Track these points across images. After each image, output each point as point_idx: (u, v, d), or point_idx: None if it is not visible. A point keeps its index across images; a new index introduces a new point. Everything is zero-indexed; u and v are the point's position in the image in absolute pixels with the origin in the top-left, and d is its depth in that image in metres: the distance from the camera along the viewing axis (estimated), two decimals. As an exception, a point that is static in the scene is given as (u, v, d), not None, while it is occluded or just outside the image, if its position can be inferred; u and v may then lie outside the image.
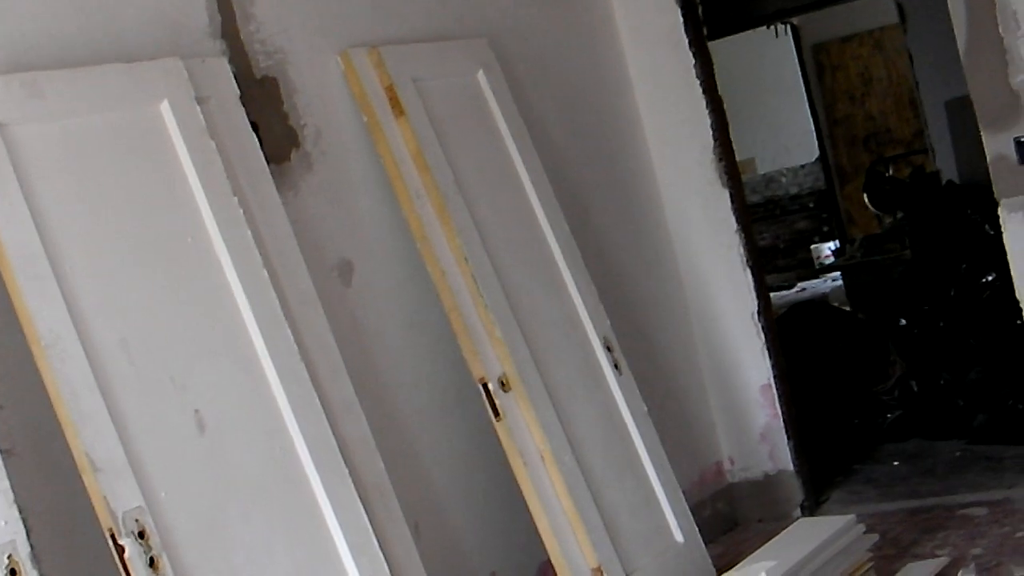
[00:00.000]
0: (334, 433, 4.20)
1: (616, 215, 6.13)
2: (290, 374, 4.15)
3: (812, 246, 12.74)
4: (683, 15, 6.23)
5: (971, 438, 6.79)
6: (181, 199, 4.13)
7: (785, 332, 6.41)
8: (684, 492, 5.43)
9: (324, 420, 4.19)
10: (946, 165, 8.76)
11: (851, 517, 5.07)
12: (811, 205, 13.90)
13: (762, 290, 6.34)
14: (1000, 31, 5.45)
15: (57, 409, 3.63)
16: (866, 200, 10.02)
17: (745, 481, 6.36)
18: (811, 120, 13.67)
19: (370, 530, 4.17)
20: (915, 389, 7.38)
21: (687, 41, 6.23)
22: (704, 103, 6.26)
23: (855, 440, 7.22)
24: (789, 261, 13.61)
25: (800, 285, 12.92)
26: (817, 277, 12.59)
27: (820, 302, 10.07)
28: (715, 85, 6.34)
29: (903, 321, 7.71)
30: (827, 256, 12.16)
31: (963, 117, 7.53)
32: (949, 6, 5.58)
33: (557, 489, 4.83)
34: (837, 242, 12.66)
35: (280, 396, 4.11)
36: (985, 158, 5.66)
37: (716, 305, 6.32)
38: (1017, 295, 5.64)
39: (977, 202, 7.19)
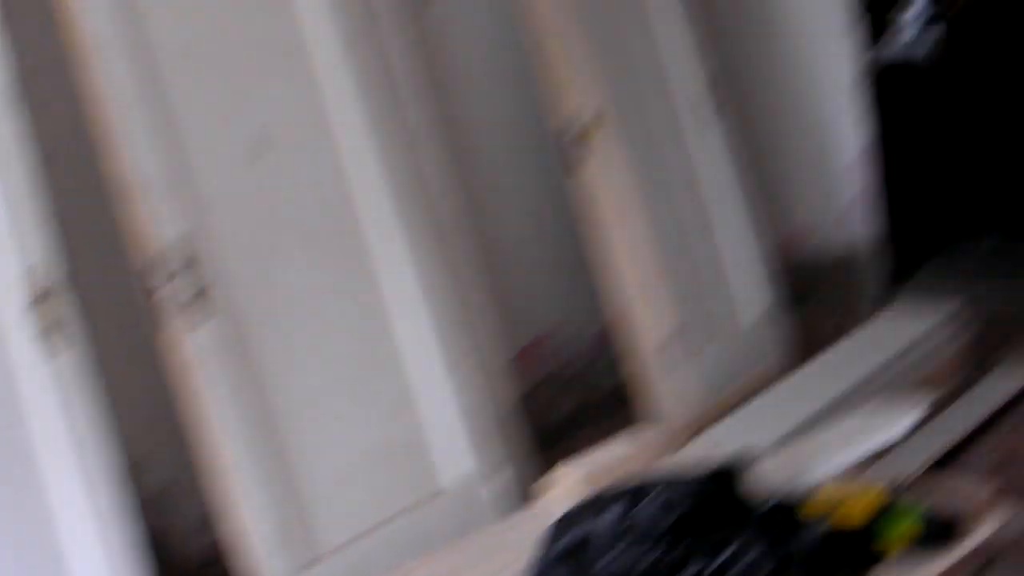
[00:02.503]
0: (409, 167, 3.81)
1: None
2: (366, 96, 3.74)
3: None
4: None
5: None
6: None
7: (883, 93, 5.91)
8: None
9: (400, 150, 3.80)
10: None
11: (945, 315, 4.72)
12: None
13: (869, 50, 5.89)
14: None
15: (102, 122, 3.24)
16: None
17: (824, 254, 5.98)
18: None
19: (441, 278, 3.83)
20: (1017, 176, 6.84)
21: None
22: None
23: (947, 220, 6.74)
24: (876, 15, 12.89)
25: (884, 40, 12.27)
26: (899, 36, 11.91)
27: (921, 67, 9.35)
28: None
29: (1013, 98, 7.12)
30: (914, 15, 11.56)
31: None
32: None
33: (636, 247, 4.44)
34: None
35: (355, 120, 3.71)
36: None
37: (818, 62, 5.83)
38: None
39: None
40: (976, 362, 4.84)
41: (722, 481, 2.15)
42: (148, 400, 3.58)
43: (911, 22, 10.61)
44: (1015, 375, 4.75)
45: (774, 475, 2.85)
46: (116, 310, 3.55)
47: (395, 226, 3.76)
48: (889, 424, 3.20)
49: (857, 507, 2.21)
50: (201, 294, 3.30)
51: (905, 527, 2.23)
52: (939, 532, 2.25)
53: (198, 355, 3.28)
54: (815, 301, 5.87)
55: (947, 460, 4.17)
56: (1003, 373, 4.78)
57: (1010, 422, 4.46)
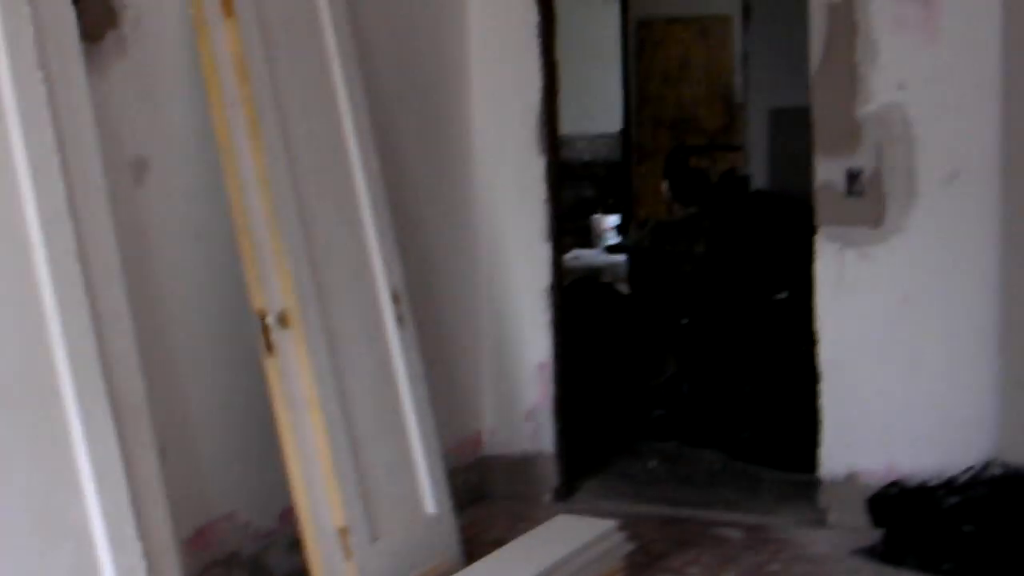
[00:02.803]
0: (98, 345, 3.86)
1: (425, 163, 5.87)
2: (63, 274, 3.75)
3: (594, 216, 12.62)
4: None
5: (732, 453, 6.70)
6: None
7: (566, 308, 6.23)
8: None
9: (90, 330, 3.82)
10: (758, 171, 8.67)
11: (612, 523, 4.94)
12: (602, 176, 13.74)
13: (557, 266, 6.18)
14: (856, 58, 5.33)
15: None
16: (664, 186, 9.89)
17: (502, 456, 6.19)
18: (621, 92, 13.49)
19: (118, 456, 3.83)
20: (684, 391, 7.25)
21: (535, -3, 6.01)
22: (539, 64, 6.03)
23: (618, 431, 7.09)
24: (568, 226, 13.40)
25: (575, 252, 12.76)
26: (593, 247, 12.45)
27: (605, 283, 9.89)
28: (553, 47, 6.13)
29: (685, 320, 7.59)
30: (608, 229, 12.11)
31: (787, 128, 7.48)
32: (810, 22, 5.43)
33: (317, 438, 4.57)
34: (620, 217, 12.56)
35: (48, 298, 3.71)
36: (804, 175, 5.59)
37: (509, 273, 6.12)
38: (816, 323, 5.56)
39: (787, 218, 7.09)
40: (638, 570, 5.06)
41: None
42: None
43: (602, 243, 11.21)
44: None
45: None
46: None
47: (77, 401, 3.76)
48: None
49: None
50: None
51: None
52: None
53: None
54: (489, 502, 6.06)
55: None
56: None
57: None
